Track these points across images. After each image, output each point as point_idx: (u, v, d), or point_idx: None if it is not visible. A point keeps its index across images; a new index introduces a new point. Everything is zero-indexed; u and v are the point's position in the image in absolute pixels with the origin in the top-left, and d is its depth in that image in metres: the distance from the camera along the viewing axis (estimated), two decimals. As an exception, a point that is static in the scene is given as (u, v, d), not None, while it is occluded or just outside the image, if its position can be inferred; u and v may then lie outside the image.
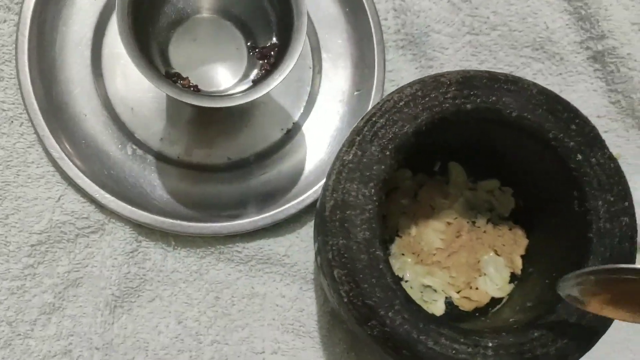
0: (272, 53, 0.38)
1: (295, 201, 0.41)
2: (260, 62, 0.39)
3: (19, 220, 0.38)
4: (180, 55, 0.40)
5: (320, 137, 0.43)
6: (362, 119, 0.33)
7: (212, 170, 0.42)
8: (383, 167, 0.31)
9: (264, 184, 0.42)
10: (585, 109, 0.42)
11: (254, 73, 0.40)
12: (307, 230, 0.42)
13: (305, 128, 0.43)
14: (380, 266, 0.30)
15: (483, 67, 0.44)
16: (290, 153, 0.42)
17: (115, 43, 0.41)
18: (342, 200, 0.31)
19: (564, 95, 0.43)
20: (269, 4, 0.37)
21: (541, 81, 0.43)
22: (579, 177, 0.32)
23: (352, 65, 0.43)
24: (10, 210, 0.38)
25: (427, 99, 0.32)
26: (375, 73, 0.43)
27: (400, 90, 0.33)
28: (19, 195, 0.39)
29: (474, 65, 0.44)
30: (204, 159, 0.42)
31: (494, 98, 0.33)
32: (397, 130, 0.32)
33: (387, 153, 0.32)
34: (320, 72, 0.43)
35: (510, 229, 0.38)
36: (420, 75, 0.43)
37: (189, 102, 0.32)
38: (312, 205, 0.41)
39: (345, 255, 0.30)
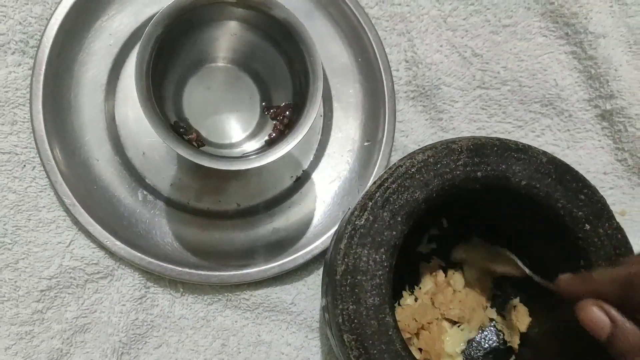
0: (287, 113, 0.38)
1: (304, 251, 0.41)
2: (274, 122, 0.39)
3: (29, 265, 0.39)
4: (193, 102, 0.41)
5: (329, 187, 0.43)
6: (374, 183, 0.33)
7: (222, 217, 0.42)
8: (394, 232, 0.32)
9: (272, 232, 0.42)
10: (592, 166, 0.43)
11: (266, 130, 0.40)
12: (314, 279, 0.42)
13: (315, 176, 0.43)
14: (390, 332, 0.31)
15: (492, 121, 0.44)
16: (299, 201, 0.43)
17: (129, 88, 0.42)
18: (353, 265, 0.31)
19: (571, 152, 0.44)
20: (286, 63, 0.38)
21: (549, 137, 0.44)
22: (586, 247, 0.33)
23: (363, 115, 0.44)
24: (20, 255, 0.39)
25: (438, 165, 0.33)
26: (385, 125, 0.43)
27: (412, 155, 0.33)
28: (29, 239, 0.39)
29: (483, 118, 0.44)
30: (213, 205, 0.42)
31: (503, 166, 0.33)
32: (408, 196, 0.32)
33: (399, 219, 0.32)
34: (331, 120, 0.44)
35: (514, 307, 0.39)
36: (430, 127, 0.44)
37: (206, 164, 0.33)
38: (320, 255, 0.41)
39: (355, 320, 0.31)
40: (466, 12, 0.45)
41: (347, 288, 0.31)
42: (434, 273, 0.40)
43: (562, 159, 0.43)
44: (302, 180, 0.43)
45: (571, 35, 0.44)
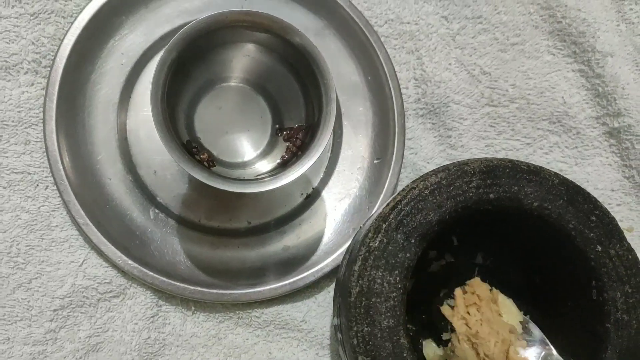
0: (300, 135, 0.38)
1: (315, 269, 0.41)
2: (287, 143, 0.39)
3: (42, 284, 0.39)
4: (204, 121, 0.41)
5: (340, 204, 0.43)
6: (388, 205, 0.33)
7: (233, 235, 0.42)
8: (408, 255, 0.32)
9: (283, 249, 0.42)
10: (599, 183, 0.44)
11: (277, 149, 0.40)
12: (325, 296, 0.43)
13: (325, 194, 0.44)
14: (404, 354, 0.31)
15: (501, 138, 0.45)
16: (310, 219, 0.43)
17: (140, 106, 0.42)
18: (367, 287, 0.31)
19: (579, 169, 0.44)
20: (299, 86, 0.38)
21: (557, 154, 0.44)
22: (598, 268, 0.33)
23: (373, 133, 0.44)
24: (33, 275, 0.39)
25: (451, 187, 0.33)
26: (395, 142, 0.43)
27: (425, 177, 0.34)
28: (42, 259, 0.39)
29: (492, 135, 0.45)
30: (224, 223, 0.42)
31: (515, 188, 0.33)
32: (421, 218, 0.32)
33: (412, 241, 0.32)
34: (340, 138, 0.44)
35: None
36: (439, 144, 0.45)
37: (220, 187, 0.33)
38: (331, 272, 0.42)
39: (370, 342, 0.31)
40: (474, 30, 0.45)
41: (362, 310, 0.31)
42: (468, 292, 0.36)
43: (570, 175, 0.44)
44: (312, 197, 0.44)
45: (579, 54, 0.44)
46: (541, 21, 0.45)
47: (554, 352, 0.33)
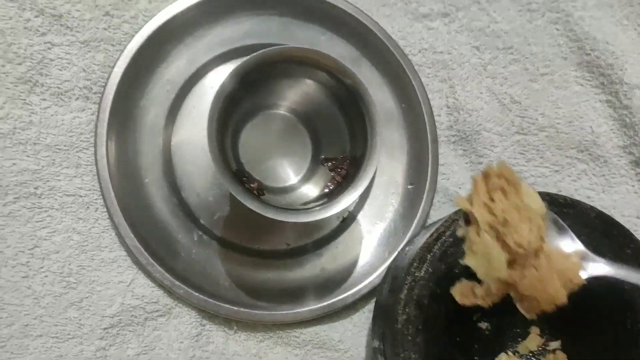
0: (344, 166, 0.40)
1: (352, 291, 0.43)
2: (332, 173, 0.41)
3: (93, 303, 0.40)
4: (248, 147, 0.43)
5: (375, 228, 0.45)
6: (431, 235, 0.35)
7: (273, 257, 0.44)
8: (451, 285, 0.34)
9: (321, 271, 0.44)
10: (626, 210, 0.45)
11: (318, 174, 0.42)
12: (360, 317, 0.44)
13: (360, 217, 0.45)
14: (449, 380, 0.32)
15: (530, 166, 0.46)
16: (346, 241, 0.45)
17: (185, 130, 0.43)
18: (414, 315, 0.33)
19: (606, 196, 0.46)
20: (344, 118, 0.40)
21: (585, 181, 0.46)
22: (633, 299, 0.35)
23: (407, 159, 0.46)
24: (84, 294, 0.40)
25: (493, 220, 0.35)
26: (429, 168, 0.45)
27: (468, 210, 0.35)
28: (92, 279, 0.41)
29: (521, 162, 0.46)
30: (264, 245, 0.44)
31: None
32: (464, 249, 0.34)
33: (456, 271, 0.34)
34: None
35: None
36: (470, 170, 0.46)
37: (273, 217, 0.35)
38: (368, 294, 0.43)
39: (416, 368, 0.32)
40: (505, 60, 0.47)
41: (409, 337, 0.33)
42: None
43: (597, 202, 0.46)
44: (348, 221, 0.45)
45: (607, 85, 0.46)
46: (570, 53, 0.46)
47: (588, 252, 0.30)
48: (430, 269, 0.34)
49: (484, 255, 0.29)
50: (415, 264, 0.34)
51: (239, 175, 0.40)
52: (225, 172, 0.34)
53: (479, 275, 0.29)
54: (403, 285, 0.34)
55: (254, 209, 0.35)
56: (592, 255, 0.31)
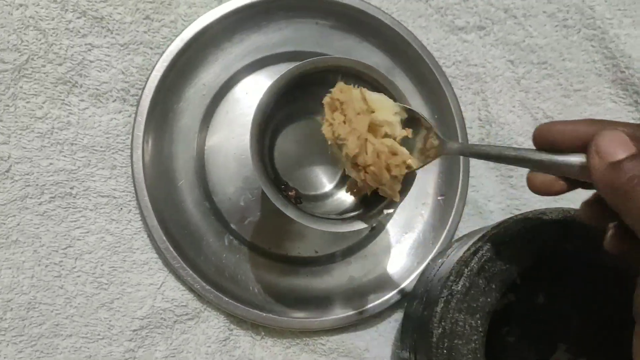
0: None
1: (380, 301, 0.43)
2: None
3: (123, 305, 0.40)
4: (283, 155, 0.43)
5: (404, 238, 0.45)
6: (469, 249, 0.35)
7: (301, 264, 0.44)
8: (489, 299, 0.34)
9: (349, 279, 0.44)
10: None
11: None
12: (386, 326, 0.44)
13: (390, 227, 0.45)
14: (483, 395, 0.32)
15: (560, 181, 0.46)
16: (375, 251, 0.45)
17: (218, 135, 0.44)
18: (450, 329, 0.33)
19: None
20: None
21: (615, 198, 0.46)
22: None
23: (438, 170, 0.46)
24: (115, 295, 0.40)
25: (530, 235, 0.35)
26: (460, 180, 0.45)
27: (505, 225, 0.35)
28: (124, 280, 0.41)
29: (551, 177, 0.46)
30: (293, 251, 0.44)
31: (593, 240, 0.35)
32: (502, 265, 0.34)
33: (493, 286, 0.34)
34: (406, 174, 0.46)
35: None
36: (500, 184, 0.46)
37: (314, 227, 0.35)
38: (395, 304, 0.43)
39: (451, 382, 0.32)
40: (539, 75, 0.47)
41: (444, 351, 0.33)
42: None
43: (626, 220, 0.46)
44: (377, 230, 0.45)
45: (640, 103, 0.46)
46: (605, 70, 0.46)
47: (435, 130, 0.33)
48: (467, 283, 0.34)
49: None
50: (452, 278, 0.34)
51: (277, 184, 0.40)
52: (267, 182, 0.34)
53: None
54: (439, 299, 0.34)
55: (296, 219, 0.35)
56: (446, 140, 0.33)
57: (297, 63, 0.36)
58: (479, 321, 0.33)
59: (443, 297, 0.34)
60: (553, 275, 0.40)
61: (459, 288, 0.34)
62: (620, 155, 0.23)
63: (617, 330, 0.39)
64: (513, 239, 0.35)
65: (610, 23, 0.46)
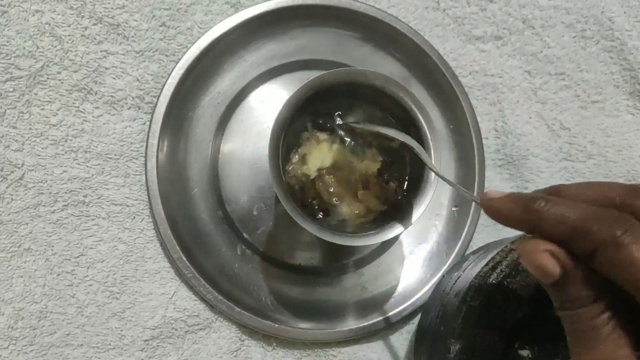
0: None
1: (393, 312, 0.43)
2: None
3: (135, 314, 0.40)
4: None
5: (417, 249, 0.45)
6: (487, 265, 0.34)
7: (314, 273, 0.43)
8: (507, 315, 0.33)
9: (362, 291, 0.43)
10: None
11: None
12: (397, 337, 0.44)
13: (403, 238, 0.45)
14: (501, 412, 0.32)
15: (577, 193, 0.46)
16: (388, 262, 0.44)
17: (232, 143, 0.43)
18: (468, 346, 0.33)
19: (652, 227, 0.45)
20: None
21: (632, 212, 0.45)
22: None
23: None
24: (127, 305, 0.40)
25: (550, 251, 0.34)
26: (475, 192, 0.44)
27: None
28: (136, 289, 0.40)
29: (568, 190, 0.46)
30: (306, 261, 0.43)
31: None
32: (521, 280, 0.33)
33: (512, 302, 0.33)
34: (421, 184, 0.45)
35: None
36: (516, 196, 0.45)
37: (329, 240, 0.34)
38: (408, 316, 0.43)
39: (468, 399, 0.32)
40: (556, 86, 0.46)
41: (463, 367, 0.32)
42: None
43: (643, 233, 0.45)
44: (390, 241, 0.45)
45: (658, 116, 0.45)
46: (622, 81, 0.46)
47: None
48: (486, 299, 0.33)
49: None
50: (470, 293, 0.34)
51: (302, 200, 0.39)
52: (285, 195, 0.34)
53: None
54: (457, 315, 0.34)
55: (313, 232, 0.34)
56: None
57: (318, 74, 0.35)
58: (496, 337, 0.33)
59: (462, 313, 0.33)
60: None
61: (477, 304, 0.33)
62: (547, 282, 0.24)
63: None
64: (532, 254, 0.34)
65: (629, 34, 0.46)
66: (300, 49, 0.44)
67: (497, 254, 0.35)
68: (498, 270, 0.34)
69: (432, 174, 0.36)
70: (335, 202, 0.37)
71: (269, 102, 0.44)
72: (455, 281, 0.38)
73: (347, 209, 0.37)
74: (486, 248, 0.40)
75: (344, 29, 0.44)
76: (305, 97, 0.35)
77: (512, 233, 0.39)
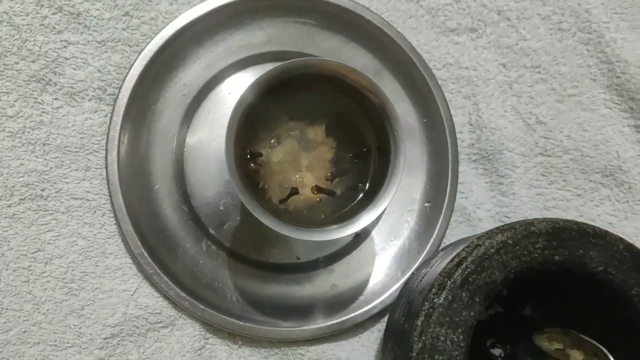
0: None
1: (362, 310, 0.41)
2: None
3: (94, 311, 0.39)
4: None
5: (389, 245, 0.43)
6: (452, 260, 0.33)
7: (282, 270, 0.42)
8: (472, 313, 0.32)
9: (331, 288, 0.42)
10: (650, 240, 0.44)
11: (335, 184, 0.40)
12: (369, 336, 0.43)
13: (374, 234, 0.44)
14: (464, 413, 0.31)
15: (552, 188, 0.45)
16: (358, 258, 0.43)
17: (198, 136, 0.42)
18: (430, 344, 0.31)
19: (629, 223, 0.44)
20: (369, 134, 0.38)
21: (608, 207, 0.44)
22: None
23: (426, 176, 0.44)
24: (86, 302, 0.39)
25: (517, 247, 0.33)
26: (448, 187, 0.43)
27: (490, 235, 0.34)
28: (95, 286, 0.39)
29: (543, 185, 0.45)
30: (274, 257, 0.42)
31: (581, 251, 0.33)
32: (486, 277, 0.32)
33: (477, 300, 0.32)
34: (393, 179, 0.44)
35: None
36: (490, 191, 0.45)
37: (288, 234, 0.33)
38: (378, 314, 0.42)
39: (430, 399, 0.31)
40: (532, 79, 0.45)
41: (424, 367, 0.31)
42: None
43: (620, 229, 0.44)
44: (361, 237, 0.44)
45: (635, 110, 0.44)
46: (600, 75, 0.45)
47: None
48: (450, 296, 0.32)
49: None
50: (434, 290, 0.33)
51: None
52: (241, 186, 0.33)
53: None
54: (420, 312, 0.33)
55: (270, 226, 0.33)
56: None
57: (280, 63, 0.34)
58: (460, 336, 0.32)
59: (424, 310, 0.32)
60: (540, 286, 0.39)
61: (440, 301, 0.32)
62: None
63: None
64: (498, 250, 0.33)
65: (606, 27, 0.45)
66: (269, 41, 0.43)
67: (463, 249, 0.34)
68: (463, 267, 0.33)
69: (397, 171, 0.35)
70: (292, 190, 0.36)
71: (238, 93, 0.42)
72: (422, 278, 0.37)
73: (304, 195, 0.36)
74: (456, 244, 0.39)
75: (313, 20, 0.43)
76: (269, 84, 0.34)
77: (485, 230, 0.38)
